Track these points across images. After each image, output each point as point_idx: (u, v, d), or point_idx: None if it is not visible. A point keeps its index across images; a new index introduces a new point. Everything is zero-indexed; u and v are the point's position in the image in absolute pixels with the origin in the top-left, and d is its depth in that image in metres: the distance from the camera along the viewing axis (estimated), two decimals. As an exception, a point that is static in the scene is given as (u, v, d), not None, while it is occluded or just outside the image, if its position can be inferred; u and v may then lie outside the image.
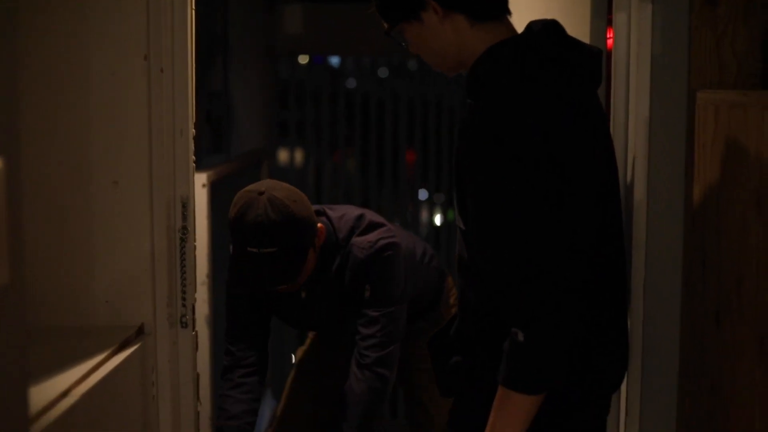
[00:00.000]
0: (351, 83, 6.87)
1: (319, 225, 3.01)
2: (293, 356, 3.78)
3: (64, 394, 2.09)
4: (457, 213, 2.22)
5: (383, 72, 6.88)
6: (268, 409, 5.55)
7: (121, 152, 2.58)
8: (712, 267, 2.18)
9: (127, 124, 2.57)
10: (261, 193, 2.85)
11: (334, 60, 6.97)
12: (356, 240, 3.11)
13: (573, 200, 2.09)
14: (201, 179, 3.97)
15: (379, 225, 3.17)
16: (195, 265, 2.69)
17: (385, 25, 2.30)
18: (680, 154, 2.36)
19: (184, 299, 2.66)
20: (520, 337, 2.05)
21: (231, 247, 3.02)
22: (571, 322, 2.08)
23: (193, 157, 2.65)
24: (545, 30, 2.19)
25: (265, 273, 2.86)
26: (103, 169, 2.58)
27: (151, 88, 2.55)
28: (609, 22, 2.74)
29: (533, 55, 2.14)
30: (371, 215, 3.21)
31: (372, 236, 3.12)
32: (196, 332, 2.72)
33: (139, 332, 2.60)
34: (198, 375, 2.75)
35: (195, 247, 2.69)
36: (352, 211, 3.21)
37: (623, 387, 2.53)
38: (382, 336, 3.11)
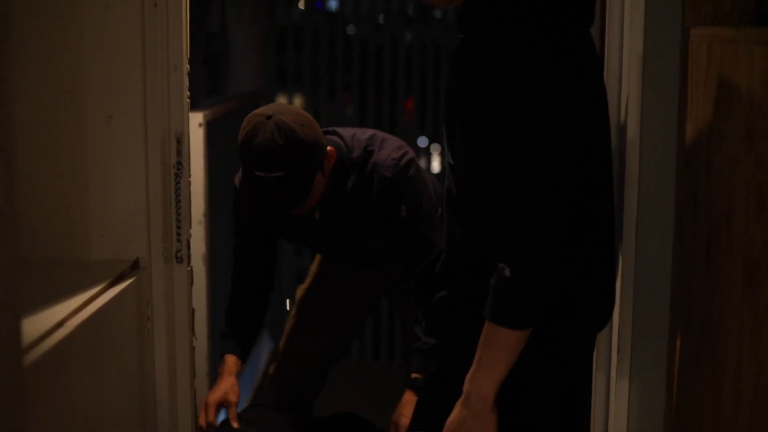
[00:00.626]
0: (350, 29, 6.85)
1: (329, 148, 2.99)
2: (287, 303, 3.80)
3: (59, 324, 2.10)
4: (446, 148, 2.22)
5: (382, 18, 6.85)
6: (266, 351, 5.59)
7: (116, 87, 2.58)
8: (702, 203, 2.19)
9: (121, 59, 2.57)
10: (269, 117, 2.82)
11: (333, 5, 6.94)
12: (379, 158, 3.08)
13: (562, 137, 2.09)
14: (197, 118, 3.97)
15: (392, 139, 3.19)
16: (190, 201, 2.71)
17: None
18: (673, 92, 2.37)
19: (179, 234, 2.68)
20: (507, 272, 2.07)
21: (237, 176, 3.06)
22: (556, 257, 2.09)
23: (188, 93, 2.66)
24: None
25: (272, 197, 2.83)
26: (97, 104, 2.59)
27: (145, 23, 2.55)
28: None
29: None
30: (381, 134, 3.21)
31: (393, 152, 3.09)
32: (191, 267, 2.74)
33: (134, 267, 2.62)
34: (193, 310, 2.77)
35: (190, 183, 2.70)
36: (362, 132, 3.21)
37: (615, 325, 2.55)
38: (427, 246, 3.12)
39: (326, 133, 3.09)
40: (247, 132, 2.83)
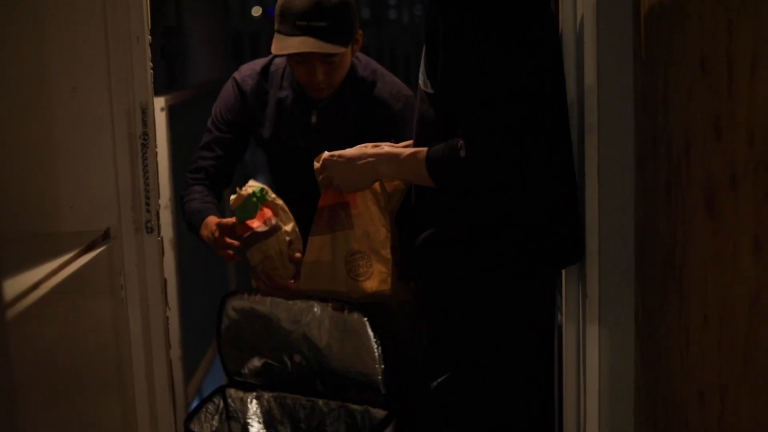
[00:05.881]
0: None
1: (359, 32, 3.14)
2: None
3: (35, 286, 2.12)
4: (425, 78, 2.31)
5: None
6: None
7: (79, 59, 2.60)
8: (661, 141, 2.24)
9: (83, 31, 2.60)
10: None
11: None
12: (386, 83, 3.20)
13: (532, 64, 2.26)
14: (159, 103, 3.98)
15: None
16: (157, 171, 2.73)
17: None
18: (628, 36, 2.42)
19: (148, 204, 2.70)
20: (462, 153, 2.21)
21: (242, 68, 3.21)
22: (513, 167, 2.19)
23: (150, 64, 2.68)
24: None
25: (311, 43, 2.95)
26: (61, 76, 2.61)
27: (106, -6, 2.58)
28: None
29: None
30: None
31: (399, 86, 3.24)
32: (162, 238, 2.76)
33: (105, 236, 2.64)
34: (165, 280, 2.79)
35: (156, 153, 2.72)
36: (373, 61, 3.34)
37: (584, 270, 2.59)
38: None
39: None
40: None
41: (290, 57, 3.05)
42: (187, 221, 3.10)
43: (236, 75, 3.24)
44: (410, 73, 6.65)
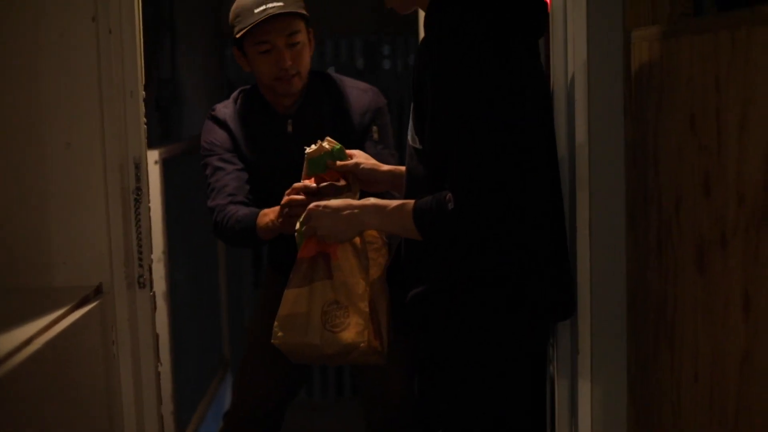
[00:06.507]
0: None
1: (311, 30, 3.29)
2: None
3: (27, 342, 2.12)
4: (414, 134, 2.33)
5: (332, 70, 6.93)
6: (230, 391, 5.57)
7: (73, 114, 2.62)
8: (652, 197, 2.25)
9: (77, 86, 2.61)
10: None
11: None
12: (350, 81, 3.29)
13: (523, 115, 2.26)
14: (153, 156, 4.00)
15: None
16: (150, 226, 2.74)
17: None
18: (618, 94, 2.44)
19: (140, 259, 2.70)
20: (450, 205, 2.21)
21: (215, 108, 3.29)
22: (502, 221, 2.20)
23: (144, 119, 2.69)
24: None
25: (278, 17, 3.14)
26: (55, 131, 2.62)
27: (99, 50, 2.60)
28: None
29: None
30: None
31: (364, 82, 3.39)
32: (154, 293, 2.76)
33: (98, 292, 2.64)
34: (157, 336, 2.79)
35: (150, 208, 2.73)
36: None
37: (576, 326, 2.60)
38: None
39: None
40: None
41: (257, 52, 3.21)
42: (238, 231, 3.14)
43: (211, 112, 3.37)
44: (404, 120, 6.70)
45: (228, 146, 3.32)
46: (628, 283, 2.47)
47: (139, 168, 2.67)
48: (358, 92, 3.32)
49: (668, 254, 2.15)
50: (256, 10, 3.14)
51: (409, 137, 2.39)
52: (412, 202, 2.31)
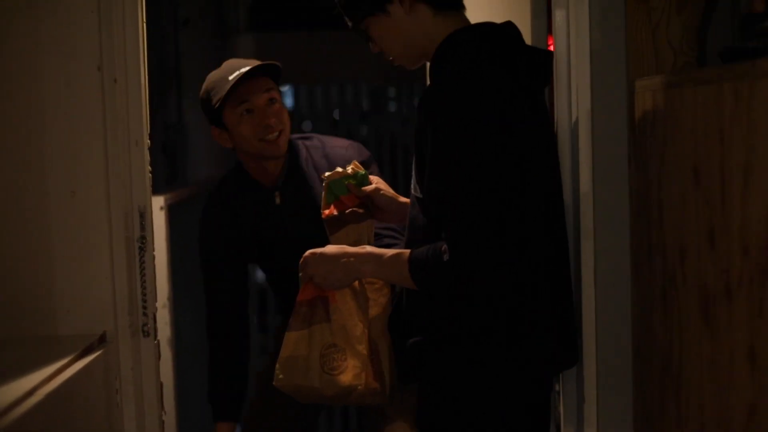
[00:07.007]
0: (306, 125, 6.93)
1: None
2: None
3: (29, 393, 2.11)
4: (415, 183, 2.33)
5: (337, 114, 6.94)
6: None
7: (78, 162, 2.62)
8: (657, 247, 2.25)
9: (82, 135, 2.62)
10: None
11: (288, 101, 7.02)
12: (330, 140, 3.32)
13: (522, 167, 2.25)
14: (158, 202, 4.00)
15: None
16: (155, 275, 2.73)
17: (350, 23, 2.42)
18: (623, 143, 2.44)
19: (145, 308, 2.69)
20: (446, 257, 2.19)
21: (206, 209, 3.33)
22: (500, 272, 2.18)
23: (149, 168, 2.70)
24: (505, 24, 2.38)
25: (251, 72, 3.20)
26: (60, 180, 2.62)
27: (105, 99, 2.61)
28: (550, 28, 2.83)
29: (494, 38, 2.33)
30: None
31: (343, 139, 3.43)
32: (158, 341, 2.76)
33: (102, 340, 2.63)
34: (162, 384, 2.78)
35: (154, 256, 2.73)
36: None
37: (582, 375, 2.58)
38: None
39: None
40: (215, 72, 3.26)
41: (239, 115, 3.23)
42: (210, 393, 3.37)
43: (201, 216, 3.44)
44: (409, 163, 6.72)
45: (221, 253, 3.40)
46: (634, 332, 2.46)
47: (144, 216, 2.67)
48: (341, 150, 3.34)
49: (673, 305, 2.14)
50: (231, 77, 3.18)
51: (412, 186, 2.39)
52: (408, 251, 2.31)
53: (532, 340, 2.32)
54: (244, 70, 3.19)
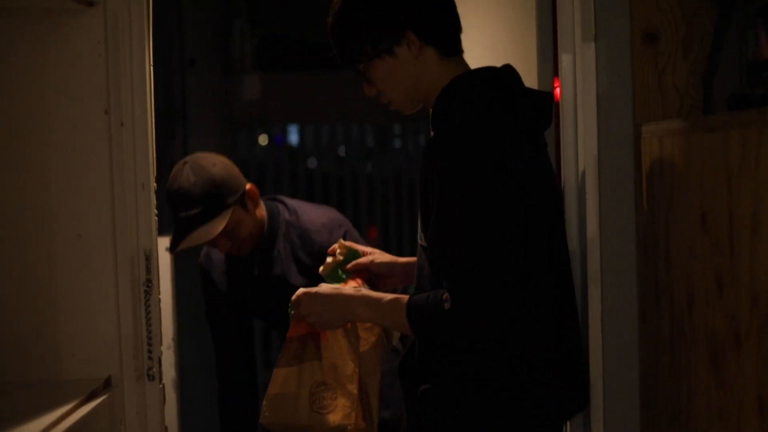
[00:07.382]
0: (312, 162, 6.94)
1: (248, 186, 3.30)
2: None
3: (33, 440, 2.10)
4: (420, 232, 2.31)
5: (342, 150, 6.96)
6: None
7: (84, 206, 2.62)
8: (664, 293, 2.24)
9: (89, 178, 2.62)
10: (185, 162, 3.07)
11: (294, 139, 7.04)
12: (304, 207, 3.42)
13: (525, 211, 2.22)
14: (164, 243, 3.99)
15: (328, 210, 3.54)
16: (160, 318, 2.72)
17: (347, 63, 2.38)
18: (629, 189, 2.43)
19: (150, 352, 2.68)
20: (447, 305, 2.17)
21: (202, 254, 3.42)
22: (502, 322, 2.16)
23: (155, 211, 2.70)
24: (504, 68, 2.37)
25: (194, 234, 3.17)
26: (66, 223, 2.62)
27: (112, 142, 2.61)
28: (556, 71, 2.83)
29: (495, 83, 2.32)
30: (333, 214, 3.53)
31: (320, 216, 3.41)
32: (163, 385, 2.74)
33: (107, 385, 2.62)
34: (166, 428, 2.77)
35: (160, 300, 2.72)
36: (315, 206, 3.60)
37: (589, 423, 2.57)
38: None
39: (271, 199, 3.48)
40: (169, 180, 3.24)
41: None
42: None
43: (201, 259, 3.58)
44: (415, 199, 6.72)
45: (221, 300, 3.51)
46: (641, 380, 2.44)
47: (150, 260, 2.66)
48: (315, 214, 3.38)
49: (681, 352, 2.13)
50: (179, 215, 3.23)
51: (419, 234, 2.38)
52: (406, 297, 2.29)
53: (539, 387, 2.29)
54: (183, 216, 3.22)
